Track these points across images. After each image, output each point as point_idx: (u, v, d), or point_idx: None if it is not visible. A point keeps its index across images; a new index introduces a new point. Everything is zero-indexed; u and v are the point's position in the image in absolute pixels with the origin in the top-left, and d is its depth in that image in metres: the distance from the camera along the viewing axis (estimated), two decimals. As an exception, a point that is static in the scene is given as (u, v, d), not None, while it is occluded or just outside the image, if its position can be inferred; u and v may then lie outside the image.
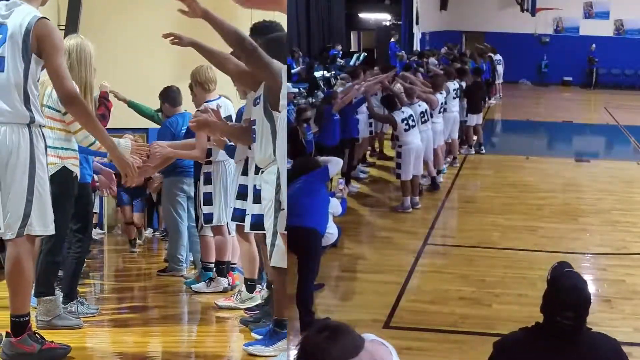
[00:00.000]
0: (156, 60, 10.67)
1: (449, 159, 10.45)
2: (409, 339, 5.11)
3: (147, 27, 10.35)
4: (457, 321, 5.43)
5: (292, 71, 14.37)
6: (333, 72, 15.30)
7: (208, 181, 6.11)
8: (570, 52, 21.54)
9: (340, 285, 6.24)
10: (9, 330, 3.96)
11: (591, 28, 22.10)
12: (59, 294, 5.04)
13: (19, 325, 3.92)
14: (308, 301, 5.16)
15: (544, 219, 8.10)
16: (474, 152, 11.53)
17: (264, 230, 4.53)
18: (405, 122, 8.24)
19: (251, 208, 4.85)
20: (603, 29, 22.02)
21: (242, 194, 5.29)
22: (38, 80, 4.07)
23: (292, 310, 5.19)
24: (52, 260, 4.85)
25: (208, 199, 6.09)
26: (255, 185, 4.80)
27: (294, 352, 2.19)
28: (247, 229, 4.96)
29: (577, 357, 2.86)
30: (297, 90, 12.28)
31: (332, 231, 5.71)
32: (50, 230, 4.07)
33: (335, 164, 5.41)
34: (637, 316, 5.60)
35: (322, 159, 5.57)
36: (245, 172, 5.19)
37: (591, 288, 6.31)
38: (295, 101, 11.16)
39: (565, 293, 2.89)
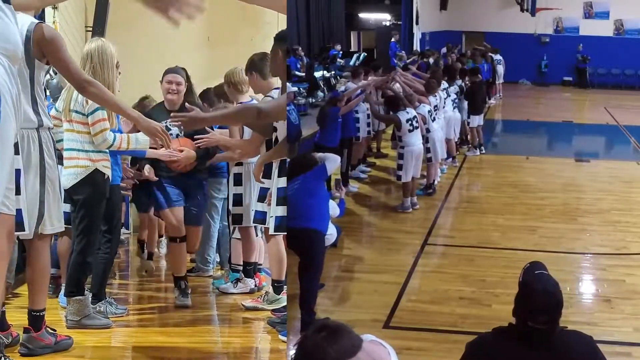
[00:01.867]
0: (184, 60, 10.60)
1: (449, 159, 10.45)
2: (409, 339, 5.11)
3: (175, 27, 10.29)
4: (457, 321, 5.43)
5: (297, 73, 14.41)
6: (333, 72, 15.31)
7: (238, 182, 6.10)
8: (570, 52, 21.57)
9: (340, 285, 6.23)
10: (26, 326, 4.19)
11: (591, 28, 22.14)
12: (89, 294, 5.06)
13: (38, 319, 4.17)
14: (311, 302, 5.15)
15: (544, 219, 8.10)
16: (478, 153, 11.54)
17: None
18: (410, 122, 8.22)
19: (274, 210, 4.90)
20: (603, 29, 22.06)
21: (263, 196, 5.38)
22: (44, 84, 4.18)
23: (292, 310, 5.18)
24: (83, 261, 4.89)
25: (237, 200, 6.08)
26: (279, 188, 4.85)
27: (293, 352, 2.18)
28: (271, 230, 5.07)
29: (551, 357, 2.85)
30: (296, 89, 12.28)
31: (331, 232, 5.69)
32: (60, 227, 4.24)
33: (332, 161, 5.38)
34: (637, 316, 5.59)
35: (318, 155, 5.55)
36: (266, 175, 5.23)
37: (591, 288, 6.37)
38: (295, 101, 11.18)
39: (535, 297, 2.86)
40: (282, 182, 5.00)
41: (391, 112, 8.47)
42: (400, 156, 8.30)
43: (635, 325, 5.41)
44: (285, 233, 5.05)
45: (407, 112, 8.27)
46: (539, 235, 7.52)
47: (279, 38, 5.19)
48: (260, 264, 6.46)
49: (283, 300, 5.44)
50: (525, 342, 2.86)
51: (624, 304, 5.82)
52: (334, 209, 5.85)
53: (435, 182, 9.19)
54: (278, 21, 8.10)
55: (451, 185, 9.70)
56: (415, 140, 8.31)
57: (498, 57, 17.74)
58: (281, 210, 4.89)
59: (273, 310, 5.31)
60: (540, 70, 22.58)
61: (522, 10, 21.71)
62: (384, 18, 21.01)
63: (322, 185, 5.56)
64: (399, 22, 19.35)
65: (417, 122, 8.33)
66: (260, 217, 5.43)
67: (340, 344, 2.05)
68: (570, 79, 22.15)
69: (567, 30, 22.71)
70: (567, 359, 2.87)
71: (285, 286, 5.53)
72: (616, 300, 5.88)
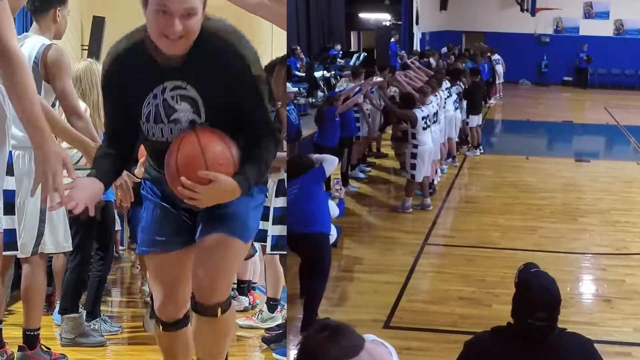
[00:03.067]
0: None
1: (449, 159, 10.45)
2: (409, 339, 5.11)
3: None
4: (457, 321, 5.43)
5: (297, 73, 14.41)
6: (333, 72, 15.31)
7: None
8: (570, 52, 21.58)
9: (340, 285, 6.23)
10: (20, 344, 4.18)
11: (591, 28, 22.15)
12: (83, 312, 5.05)
13: (33, 338, 4.17)
14: (317, 304, 5.18)
15: (544, 219, 8.09)
16: (478, 153, 11.53)
17: (285, 251, 4.68)
18: (424, 120, 8.22)
19: (272, 229, 4.94)
20: (603, 29, 22.07)
21: (264, 215, 5.35)
22: (53, 106, 4.15)
23: (293, 310, 5.19)
24: (77, 278, 4.90)
25: None
26: (276, 208, 4.87)
27: (294, 352, 2.18)
28: (268, 249, 5.12)
29: (549, 357, 2.85)
30: (296, 89, 12.27)
31: (331, 232, 5.70)
32: (62, 248, 4.30)
33: (330, 163, 5.38)
34: (637, 316, 5.59)
35: (315, 156, 5.55)
36: (279, 194, 5.25)
37: (591, 288, 6.37)
38: (295, 101, 11.18)
39: (534, 294, 2.86)
40: (280, 202, 5.02)
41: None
42: (414, 155, 8.19)
43: (635, 325, 5.41)
44: (285, 252, 5.08)
45: (422, 110, 8.26)
46: (539, 235, 7.52)
47: (282, 60, 5.24)
48: (255, 282, 6.43)
49: (277, 318, 5.43)
50: (523, 342, 2.86)
51: (624, 304, 5.82)
52: (333, 209, 5.85)
53: (435, 182, 9.19)
54: (272, 40, 8.09)
55: (451, 185, 9.70)
56: (427, 139, 8.29)
57: (496, 56, 17.74)
58: (279, 230, 4.93)
59: (267, 329, 5.30)
60: (540, 70, 22.57)
61: (522, 10, 21.70)
62: (384, 18, 21.00)
63: (321, 187, 5.55)
64: (399, 22, 19.35)
65: (430, 120, 8.33)
66: (261, 235, 5.45)
67: (342, 344, 2.05)
68: (571, 78, 22.16)
69: (567, 30, 22.71)
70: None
71: (279, 305, 5.51)
72: (616, 300, 5.88)
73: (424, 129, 8.20)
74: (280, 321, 5.37)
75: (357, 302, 5.86)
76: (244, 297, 6.23)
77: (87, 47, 9.17)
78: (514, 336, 2.89)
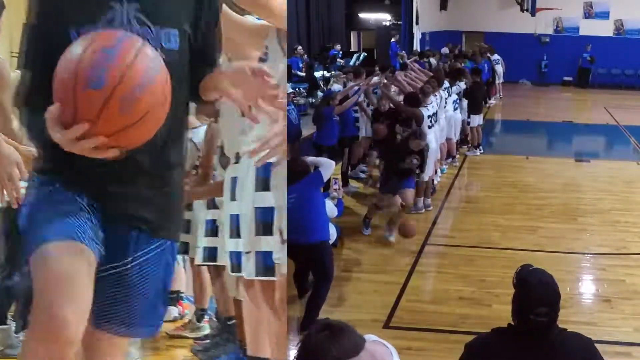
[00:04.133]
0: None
1: (449, 159, 10.45)
2: (409, 339, 5.11)
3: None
4: (457, 321, 5.43)
5: (298, 73, 14.41)
6: (333, 72, 15.32)
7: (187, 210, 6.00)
8: (570, 52, 21.59)
9: (340, 285, 6.23)
10: None
11: (591, 28, 22.15)
12: (12, 323, 4.97)
13: None
14: (320, 307, 5.22)
15: (544, 219, 8.09)
16: (478, 153, 11.53)
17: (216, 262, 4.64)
18: (430, 119, 8.22)
19: (203, 242, 4.87)
20: (603, 29, 22.07)
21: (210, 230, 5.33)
22: None
23: (292, 310, 5.19)
24: (8, 290, 4.80)
25: (185, 230, 5.96)
26: (207, 220, 4.80)
27: (294, 352, 2.19)
28: (198, 261, 4.96)
29: (550, 356, 2.85)
30: (297, 89, 12.29)
31: (331, 232, 5.70)
32: None
33: (327, 167, 5.33)
34: (637, 316, 5.59)
35: (310, 159, 5.52)
36: (210, 206, 4.99)
37: (591, 288, 6.37)
38: (295, 101, 11.19)
39: (534, 289, 2.87)
40: (211, 214, 4.78)
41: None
42: None
43: (635, 325, 5.41)
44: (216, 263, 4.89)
45: (428, 109, 8.25)
46: (539, 235, 7.52)
47: None
48: (183, 292, 6.36)
49: (205, 328, 5.37)
50: (524, 342, 2.86)
51: (624, 304, 5.82)
52: (332, 209, 5.84)
53: (435, 182, 9.19)
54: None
55: (451, 185, 9.70)
56: (432, 138, 8.29)
57: (496, 56, 17.73)
58: (211, 242, 4.73)
59: (195, 339, 5.26)
60: (540, 70, 22.59)
61: (522, 10, 21.73)
62: (384, 18, 21.01)
63: (319, 192, 5.53)
64: (399, 22, 19.36)
65: (433, 120, 8.32)
66: (185, 248, 5.25)
67: (343, 343, 2.05)
68: (571, 78, 22.17)
69: (567, 30, 22.72)
70: (566, 358, 2.88)
71: (207, 315, 5.45)
72: (616, 300, 5.88)
73: (429, 127, 8.20)
74: (208, 331, 5.32)
75: (357, 302, 5.86)
76: (173, 307, 6.15)
77: (16, 55, 9.16)
78: (514, 337, 2.89)
